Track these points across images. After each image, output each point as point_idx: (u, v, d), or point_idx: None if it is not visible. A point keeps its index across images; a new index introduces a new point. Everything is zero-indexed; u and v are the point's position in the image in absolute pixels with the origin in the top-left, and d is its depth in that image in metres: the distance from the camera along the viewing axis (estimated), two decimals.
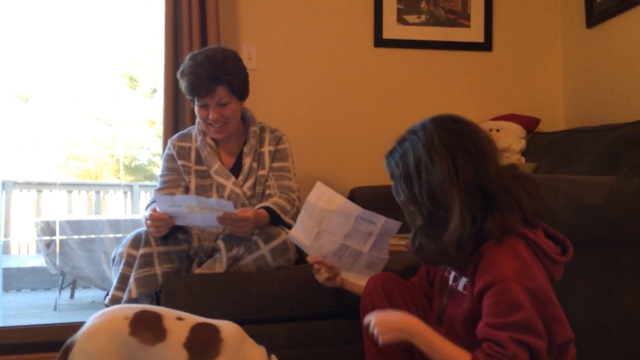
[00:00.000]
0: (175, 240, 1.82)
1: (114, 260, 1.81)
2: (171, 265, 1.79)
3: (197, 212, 1.65)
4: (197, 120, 2.01)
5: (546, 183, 1.55)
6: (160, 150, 2.36)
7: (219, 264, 1.82)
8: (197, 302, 1.68)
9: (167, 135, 2.35)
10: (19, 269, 4.77)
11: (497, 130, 2.54)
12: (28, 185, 5.10)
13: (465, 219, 1.11)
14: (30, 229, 5.13)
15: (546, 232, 1.21)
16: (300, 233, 1.58)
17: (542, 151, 2.37)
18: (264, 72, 2.62)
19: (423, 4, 2.72)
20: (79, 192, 5.35)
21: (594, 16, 2.52)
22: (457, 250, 1.12)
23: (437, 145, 1.15)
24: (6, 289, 4.38)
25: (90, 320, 1.28)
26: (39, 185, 5.15)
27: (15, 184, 4.99)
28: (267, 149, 2.03)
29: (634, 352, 1.64)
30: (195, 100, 1.91)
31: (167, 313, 1.33)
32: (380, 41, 2.71)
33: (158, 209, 1.71)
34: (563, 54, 2.81)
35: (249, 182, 1.98)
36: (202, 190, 1.98)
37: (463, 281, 1.21)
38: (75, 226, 3.99)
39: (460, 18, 2.75)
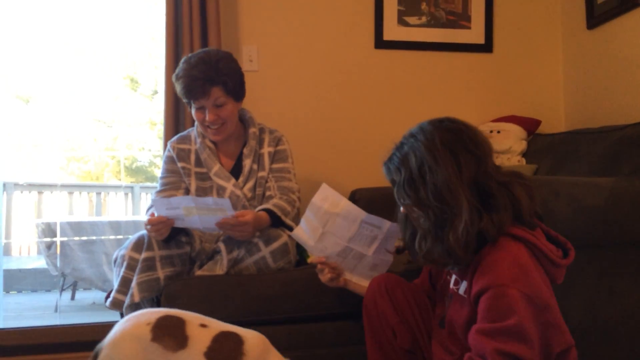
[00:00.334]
0: (178, 244, 1.82)
1: (115, 261, 1.81)
2: (173, 268, 1.79)
3: (195, 213, 1.65)
4: (196, 122, 2.01)
5: (547, 184, 1.55)
6: (161, 152, 2.36)
7: (219, 266, 1.82)
8: (197, 304, 1.68)
9: (167, 137, 2.35)
10: (20, 270, 4.77)
11: (498, 132, 2.53)
12: (29, 186, 5.11)
13: (473, 216, 1.11)
14: (31, 230, 5.13)
15: (547, 235, 1.21)
16: (304, 233, 1.58)
17: (543, 153, 2.37)
18: (264, 73, 2.62)
19: (424, 6, 2.73)
20: (80, 193, 5.35)
21: (595, 18, 2.52)
22: (464, 249, 1.12)
23: (438, 145, 1.15)
24: (7, 290, 4.38)
25: (116, 326, 1.29)
26: (40, 187, 5.16)
27: (16, 185, 5.00)
28: (266, 150, 2.03)
29: (635, 353, 1.63)
30: (192, 103, 1.91)
31: (192, 319, 1.31)
32: (380, 43, 2.71)
33: (155, 214, 1.71)
34: (564, 55, 2.81)
35: (250, 184, 1.98)
36: (203, 192, 1.98)
37: (464, 285, 1.21)
38: (76, 227, 3.99)
39: (460, 19, 2.75)
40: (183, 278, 1.81)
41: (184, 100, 1.95)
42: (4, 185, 3.96)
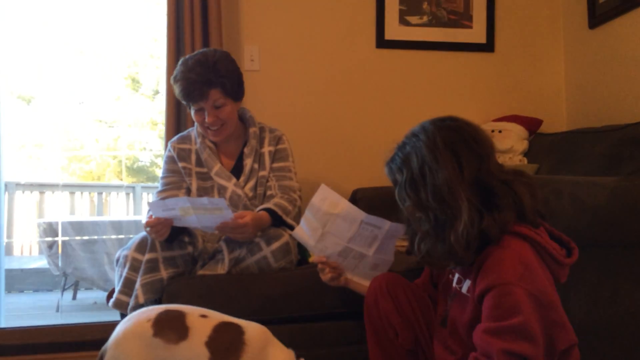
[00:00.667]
0: (180, 244, 1.82)
1: (117, 261, 1.81)
2: (176, 269, 1.79)
3: (192, 213, 1.65)
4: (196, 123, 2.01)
5: (549, 184, 1.55)
6: (162, 152, 2.37)
7: (221, 266, 1.82)
8: (199, 304, 1.67)
9: (169, 137, 2.36)
10: (22, 270, 4.78)
11: (500, 131, 2.53)
12: (31, 186, 5.12)
13: (473, 216, 1.10)
14: (32, 230, 5.14)
15: (551, 234, 1.20)
16: (304, 233, 1.57)
17: (545, 152, 2.37)
18: (266, 73, 2.62)
19: (425, 5, 2.72)
20: (82, 193, 5.36)
21: (597, 17, 2.51)
22: (465, 249, 1.11)
23: (440, 145, 1.14)
24: (9, 290, 4.38)
25: (119, 326, 1.31)
26: (42, 187, 5.17)
27: (18, 185, 5.01)
28: (267, 149, 2.03)
29: (637, 354, 1.63)
30: (191, 105, 1.91)
31: (191, 311, 1.34)
32: (382, 42, 2.71)
33: (153, 215, 1.70)
34: (565, 54, 2.81)
35: (250, 183, 1.98)
36: (204, 192, 1.98)
37: (467, 283, 1.20)
38: (78, 227, 3.99)
39: (462, 19, 2.75)
40: (185, 277, 1.81)
41: (183, 102, 1.95)
42: (6, 185, 3.97)
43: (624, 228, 1.59)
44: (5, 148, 2.58)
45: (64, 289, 4.06)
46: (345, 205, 1.49)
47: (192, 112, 1.94)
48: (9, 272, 4.10)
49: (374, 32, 2.71)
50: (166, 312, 1.31)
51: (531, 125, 2.58)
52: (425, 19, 2.73)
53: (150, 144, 5.70)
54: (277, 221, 1.86)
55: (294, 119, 2.61)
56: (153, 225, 1.69)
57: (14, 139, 4.92)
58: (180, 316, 1.30)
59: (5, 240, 2.69)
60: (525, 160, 2.45)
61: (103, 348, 1.28)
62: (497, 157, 1.24)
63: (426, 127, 1.19)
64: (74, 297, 4.18)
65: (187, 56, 1.93)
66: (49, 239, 3.89)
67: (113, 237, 3.98)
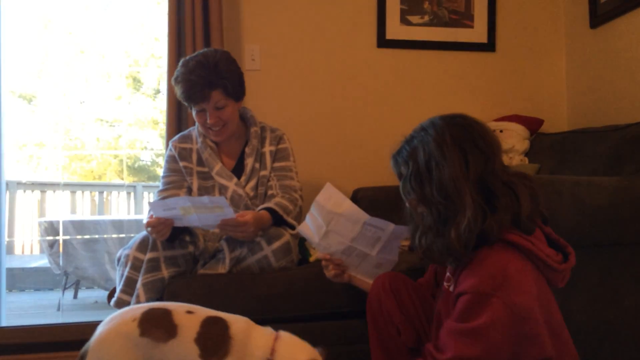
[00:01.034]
0: (182, 243, 1.82)
1: (118, 261, 1.81)
2: (177, 269, 1.79)
3: (193, 212, 1.64)
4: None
5: (550, 184, 1.55)
6: (163, 151, 2.37)
7: (221, 265, 1.82)
8: (199, 303, 1.67)
9: (170, 136, 2.36)
10: (23, 269, 4.79)
11: (501, 131, 2.53)
12: (32, 185, 5.12)
13: (477, 214, 1.10)
14: (33, 229, 5.15)
15: (548, 238, 1.20)
16: (309, 229, 1.58)
17: (546, 152, 2.36)
18: (267, 72, 2.62)
19: (426, 5, 2.72)
20: (83, 192, 5.37)
21: (598, 17, 2.51)
22: (464, 246, 1.11)
23: (448, 141, 1.14)
24: (10, 289, 4.39)
25: (101, 326, 1.28)
26: (43, 186, 5.17)
27: (19, 184, 5.01)
28: (268, 149, 2.03)
29: (638, 354, 1.63)
30: (192, 106, 1.91)
31: (177, 307, 1.31)
32: (383, 42, 2.71)
33: (154, 215, 1.70)
34: (567, 54, 2.80)
35: (252, 183, 1.98)
36: (205, 192, 1.98)
37: (454, 281, 1.21)
38: (79, 226, 4.00)
39: (463, 19, 2.75)
40: (185, 276, 1.81)
41: (184, 103, 1.95)
42: (7, 184, 3.97)
43: (625, 228, 1.59)
44: (6, 147, 2.58)
45: (65, 288, 4.07)
46: (348, 206, 1.49)
47: (194, 113, 1.93)
48: (10, 271, 4.11)
49: (375, 32, 2.71)
50: (151, 311, 1.28)
51: (532, 125, 2.58)
52: (426, 18, 2.73)
53: (151, 143, 5.70)
54: (278, 221, 1.86)
55: (295, 118, 2.61)
56: (154, 225, 1.69)
57: (15, 138, 4.92)
58: (167, 314, 1.27)
59: (6, 239, 2.70)
60: (526, 160, 2.45)
61: (84, 349, 1.25)
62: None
63: (436, 123, 1.19)
64: (75, 296, 4.19)
65: (187, 57, 1.92)
66: (50, 238, 3.90)
67: (114, 236, 3.99)
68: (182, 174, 2.00)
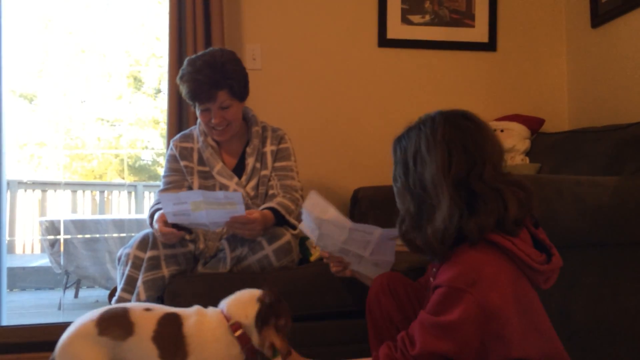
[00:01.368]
0: (182, 242, 1.82)
1: (119, 260, 1.81)
2: (178, 267, 1.79)
3: (203, 208, 1.63)
4: (199, 120, 2.01)
5: (550, 184, 1.55)
6: (164, 150, 2.37)
7: (222, 264, 1.82)
8: (200, 302, 1.67)
9: (171, 135, 2.36)
10: (24, 268, 4.79)
11: (502, 131, 2.53)
12: (33, 185, 5.13)
13: (453, 214, 1.12)
14: (34, 228, 5.16)
15: (535, 239, 1.20)
16: (307, 229, 1.60)
17: (547, 152, 2.36)
18: (267, 72, 2.62)
19: (427, 4, 2.72)
20: (84, 192, 5.37)
21: (599, 16, 2.51)
22: (440, 243, 1.14)
23: (438, 138, 1.16)
24: (11, 288, 4.40)
25: (64, 334, 1.31)
26: (44, 185, 5.18)
27: (20, 183, 5.02)
28: (269, 148, 2.03)
29: (638, 353, 1.63)
30: (197, 105, 1.91)
31: (135, 306, 1.34)
32: (384, 41, 2.71)
33: (163, 209, 1.70)
34: (568, 54, 2.80)
35: (252, 183, 1.98)
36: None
37: None
38: (80, 226, 4.00)
39: (464, 18, 2.75)
40: (186, 275, 1.82)
41: (189, 102, 1.95)
42: (8, 183, 3.98)
43: (626, 228, 1.59)
44: (7, 146, 2.59)
45: (66, 287, 4.07)
46: (332, 213, 1.50)
47: (198, 112, 1.93)
48: (11, 270, 4.11)
49: (376, 31, 2.71)
50: (109, 310, 1.31)
51: (533, 124, 2.58)
52: (427, 18, 2.73)
53: (152, 142, 5.71)
54: (280, 221, 1.86)
55: (296, 117, 2.61)
56: (165, 234, 1.70)
57: (16, 137, 4.93)
58: (124, 312, 1.29)
59: (7, 238, 2.70)
60: (527, 160, 2.45)
61: (50, 358, 1.29)
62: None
63: (435, 118, 1.21)
64: (76, 296, 4.20)
65: (193, 56, 1.92)
66: (51, 237, 3.90)
67: (115, 235, 3.99)
68: (182, 173, 2.00)
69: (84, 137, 5.58)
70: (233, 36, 2.59)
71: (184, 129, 2.30)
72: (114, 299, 1.77)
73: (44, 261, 4.49)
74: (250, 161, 1.99)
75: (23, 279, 4.64)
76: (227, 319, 1.31)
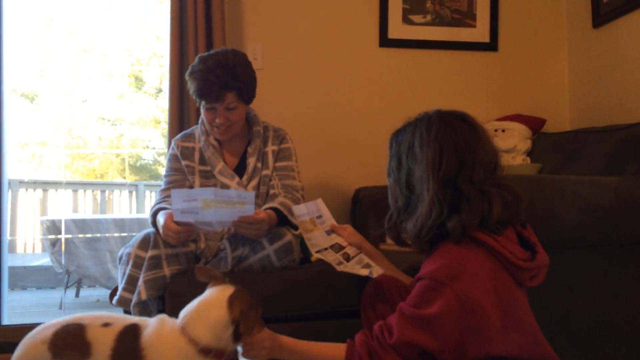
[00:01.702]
0: (183, 242, 1.82)
1: (120, 259, 1.81)
2: (179, 266, 1.79)
3: (213, 206, 1.61)
4: (200, 120, 2.01)
5: (552, 184, 1.55)
6: (165, 150, 2.37)
7: (223, 264, 1.82)
8: None
9: (172, 135, 2.36)
10: (25, 267, 4.80)
11: (503, 131, 2.53)
12: (34, 184, 5.14)
13: (432, 211, 1.15)
14: (35, 227, 5.17)
15: (520, 236, 1.20)
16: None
17: (548, 152, 2.36)
18: (269, 71, 2.62)
19: (428, 4, 2.72)
20: (85, 191, 5.38)
21: (601, 16, 2.51)
22: (415, 238, 1.18)
23: (432, 137, 1.18)
24: (12, 287, 4.40)
25: (16, 349, 1.22)
26: (45, 184, 5.19)
27: (21, 182, 5.03)
28: (270, 148, 2.03)
29: (639, 354, 1.63)
30: (203, 102, 1.91)
31: (92, 321, 1.22)
32: (385, 41, 2.71)
33: (172, 205, 1.68)
34: (569, 54, 2.80)
35: (253, 182, 1.98)
36: None
37: None
38: (81, 225, 4.00)
39: (465, 18, 2.75)
40: (187, 275, 1.82)
41: (195, 99, 1.94)
42: (9, 182, 3.98)
43: (627, 227, 1.59)
44: (8, 146, 2.59)
45: (67, 287, 4.08)
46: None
47: (203, 110, 1.93)
48: (12, 269, 4.11)
49: (377, 31, 2.71)
50: (63, 329, 1.20)
51: (534, 124, 2.58)
52: (428, 17, 2.73)
53: (153, 142, 5.72)
54: (282, 221, 1.86)
55: (297, 117, 2.61)
56: (179, 232, 1.67)
57: (17, 136, 4.93)
58: (80, 330, 1.19)
59: (8, 237, 2.70)
60: (529, 160, 2.45)
61: None
62: (500, 156, 1.24)
63: (432, 117, 1.23)
64: (77, 295, 4.20)
65: (205, 54, 1.91)
66: (52, 236, 3.91)
67: (116, 234, 4.00)
68: (184, 173, 2.00)
69: (85, 137, 5.59)
70: (234, 35, 2.59)
71: (185, 129, 2.29)
72: (115, 298, 1.77)
73: (45, 260, 4.50)
74: (251, 161, 1.99)
75: (24, 278, 4.65)
76: (195, 343, 1.17)
